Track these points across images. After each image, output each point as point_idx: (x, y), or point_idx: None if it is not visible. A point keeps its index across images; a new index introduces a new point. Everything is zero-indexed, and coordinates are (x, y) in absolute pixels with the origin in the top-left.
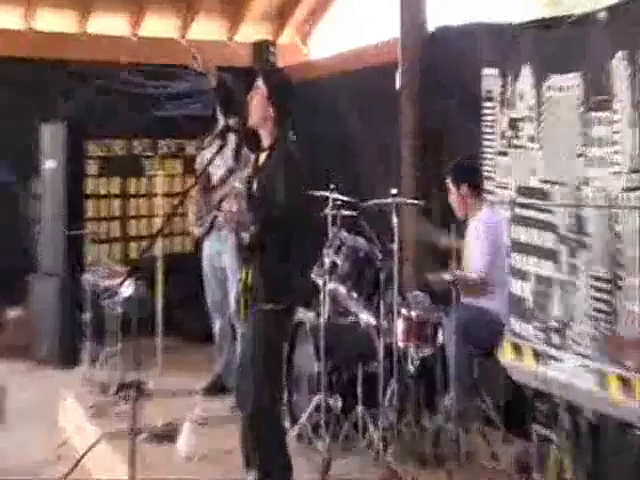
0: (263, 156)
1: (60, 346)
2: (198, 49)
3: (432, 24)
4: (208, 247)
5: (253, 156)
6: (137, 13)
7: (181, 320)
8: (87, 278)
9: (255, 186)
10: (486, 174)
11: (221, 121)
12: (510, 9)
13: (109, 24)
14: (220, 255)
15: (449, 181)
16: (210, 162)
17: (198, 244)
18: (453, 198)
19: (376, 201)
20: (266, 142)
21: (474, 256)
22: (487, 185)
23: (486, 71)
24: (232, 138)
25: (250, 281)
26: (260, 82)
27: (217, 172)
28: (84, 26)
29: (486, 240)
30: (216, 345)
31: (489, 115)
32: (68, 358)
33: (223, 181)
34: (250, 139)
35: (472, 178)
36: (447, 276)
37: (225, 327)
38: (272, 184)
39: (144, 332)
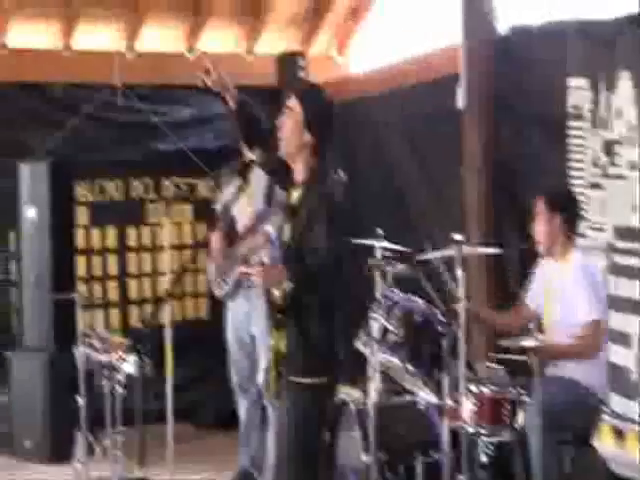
0: (296, 194)
1: (49, 437)
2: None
3: (504, 24)
4: (233, 310)
5: (284, 194)
6: (133, 22)
7: (195, 402)
8: (80, 353)
9: (288, 232)
10: None
11: (245, 154)
12: (603, 3)
13: (99, 37)
14: (249, 320)
15: (540, 206)
16: (229, 205)
17: (215, 308)
18: (540, 229)
19: (436, 252)
20: (300, 176)
21: (575, 303)
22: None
23: (573, 82)
24: (260, 174)
25: (283, 349)
26: (294, 103)
27: (243, 217)
28: (68, 40)
29: (590, 286)
30: (241, 432)
31: (577, 137)
32: (59, 451)
33: (251, 228)
34: (280, 173)
35: (571, 210)
36: (528, 342)
37: (252, 410)
38: (310, 230)
39: (150, 418)
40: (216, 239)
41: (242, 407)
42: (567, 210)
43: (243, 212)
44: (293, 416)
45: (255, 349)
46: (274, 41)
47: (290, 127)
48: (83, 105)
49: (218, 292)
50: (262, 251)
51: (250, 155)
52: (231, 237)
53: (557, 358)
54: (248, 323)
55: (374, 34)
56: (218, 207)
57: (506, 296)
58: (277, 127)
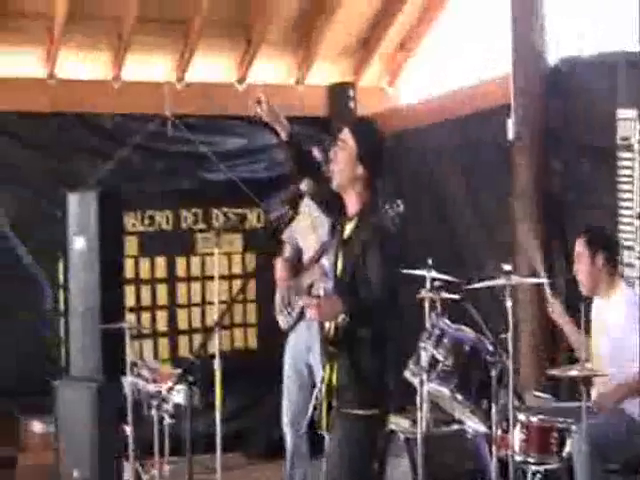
0: (349, 227)
1: (97, 467)
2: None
3: (554, 55)
4: (294, 342)
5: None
6: (183, 52)
7: (245, 431)
8: (128, 383)
9: (341, 265)
10: (623, 242)
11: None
12: None
13: (149, 67)
14: (309, 351)
15: (581, 246)
16: (296, 234)
17: (264, 338)
18: (583, 269)
19: (485, 282)
20: (353, 209)
21: (627, 338)
22: (625, 257)
23: (622, 113)
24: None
25: (335, 381)
26: (347, 135)
27: (309, 248)
28: (118, 71)
29: None
30: (287, 463)
31: (626, 168)
32: None
33: (314, 260)
34: (331, 205)
35: (612, 248)
36: (577, 371)
37: (299, 441)
38: (363, 262)
39: (199, 448)
40: (280, 267)
41: (289, 437)
42: (608, 248)
43: (308, 243)
44: (345, 447)
45: (311, 381)
46: (325, 72)
47: (343, 160)
48: (133, 135)
49: (282, 323)
50: (319, 284)
51: (302, 186)
52: (297, 268)
53: (619, 400)
54: (307, 354)
55: (425, 65)
56: (285, 235)
57: (556, 327)
58: (329, 159)
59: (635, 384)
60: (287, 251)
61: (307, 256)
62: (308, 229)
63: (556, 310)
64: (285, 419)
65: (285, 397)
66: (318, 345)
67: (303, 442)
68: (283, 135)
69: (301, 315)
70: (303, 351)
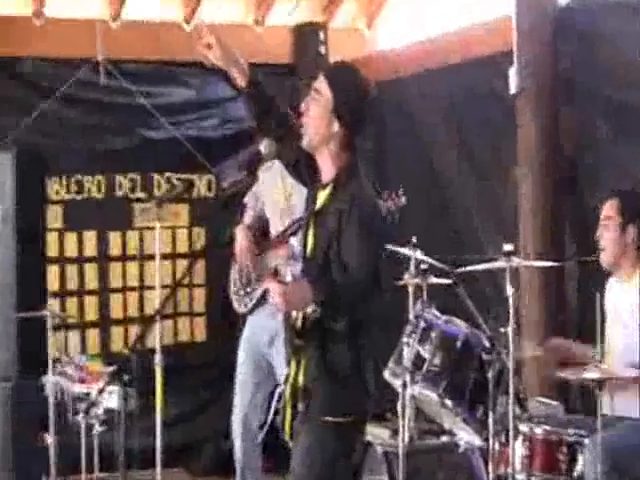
0: (323, 196)
1: None
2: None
3: None
4: (254, 326)
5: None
6: None
7: (189, 443)
8: (50, 383)
9: (312, 242)
10: None
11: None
12: None
13: (77, 2)
14: (271, 344)
15: (611, 210)
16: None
17: (214, 330)
18: (609, 237)
19: (482, 265)
20: (327, 174)
21: None
22: None
23: None
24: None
25: (302, 380)
26: (322, 83)
27: (276, 223)
28: (40, 5)
29: None
30: (237, 478)
31: None
32: None
33: (285, 238)
34: (301, 169)
35: None
36: (591, 373)
37: (251, 452)
38: (339, 239)
39: (135, 462)
40: (242, 235)
41: (240, 447)
42: None
43: (277, 216)
44: (312, 461)
45: (271, 379)
46: (289, 11)
47: (317, 114)
48: (58, 84)
49: (238, 305)
50: (286, 268)
51: (261, 147)
52: (261, 242)
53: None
54: (269, 347)
55: (409, 2)
56: (248, 198)
57: (566, 318)
58: (298, 112)
59: None
60: (248, 217)
61: (274, 230)
62: (279, 198)
63: (558, 349)
64: (236, 425)
65: (237, 397)
66: (283, 336)
67: (257, 454)
68: (241, 83)
69: (263, 299)
70: (263, 343)
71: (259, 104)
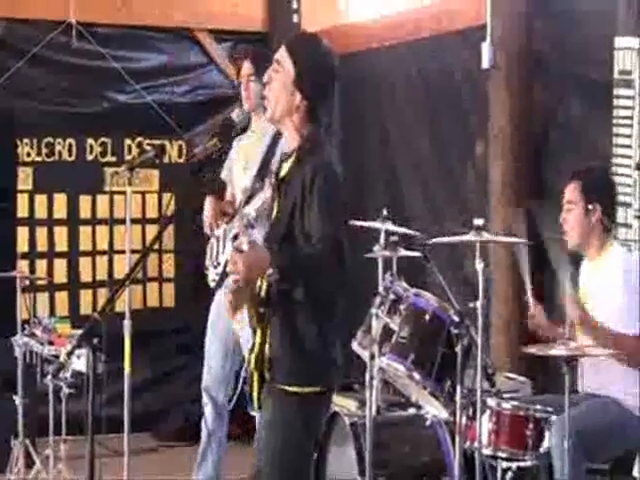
0: (287, 165)
1: None
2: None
3: None
4: (221, 301)
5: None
6: None
7: (157, 409)
8: (18, 345)
9: (275, 211)
10: (619, 198)
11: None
12: None
13: None
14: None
15: (574, 192)
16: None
17: (183, 295)
18: (572, 220)
19: (450, 238)
20: (291, 144)
21: (613, 311)
22: (621, 216)
23: (620, 41)
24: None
25: (267, 349)
26: (283, 54)
27: (236, 189)
28: None
29: (633, 293)
30: (202, 444)
31: (624, 108)
32: None
33: (238, 207)
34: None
35: (610, 198)
36: (560, 350)
37: (218, 421)
38: (302, 208)
39: (103, 426)
40: (208, 207)
41: (209, 416)
42: (607, 198)
43: (239, 187)
44: (277, 431)
45: (239, 348)
46: None
47: (277, 86)
48: (28, 45)
49: (210, 279)
50: (242, 237)
51: (233, 115)
52: (229, 213)
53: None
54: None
55: None
56: (224, 174)
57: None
58: (262, 85)
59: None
60: (229, 194)
61: (238, 202)
62: (240, 169)
63: (538, 320)
64: (205, 393)
65: (206, 366)
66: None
67: (223, 422)
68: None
69: (226, 273)
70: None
71: None
